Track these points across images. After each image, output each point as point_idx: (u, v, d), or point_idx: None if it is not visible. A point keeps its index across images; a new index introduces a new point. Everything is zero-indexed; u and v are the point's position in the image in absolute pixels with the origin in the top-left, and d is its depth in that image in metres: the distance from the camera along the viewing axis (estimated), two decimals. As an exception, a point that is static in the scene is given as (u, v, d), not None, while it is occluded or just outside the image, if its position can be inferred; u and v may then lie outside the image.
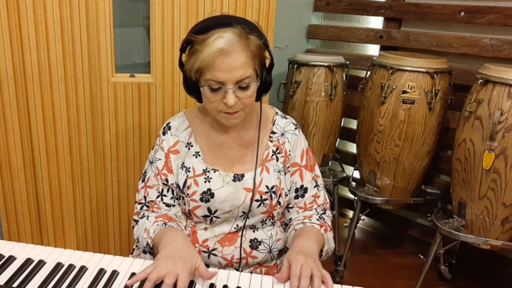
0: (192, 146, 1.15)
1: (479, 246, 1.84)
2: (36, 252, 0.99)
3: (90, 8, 1.50)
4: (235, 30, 0.99)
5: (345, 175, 2.45)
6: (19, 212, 1.65)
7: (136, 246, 1.22)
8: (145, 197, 1.16)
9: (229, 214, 1.13)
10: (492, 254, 2.16)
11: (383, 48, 2.45)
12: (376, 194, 2.17)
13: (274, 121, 1.20)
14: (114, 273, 0.94)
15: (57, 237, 1.74)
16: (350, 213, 2.80)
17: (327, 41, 2.75)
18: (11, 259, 0.96)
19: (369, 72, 2.15)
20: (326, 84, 2.17)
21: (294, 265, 0.94)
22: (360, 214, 2.36)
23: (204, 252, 1.14)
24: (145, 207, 1.15)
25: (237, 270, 1.17)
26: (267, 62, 1.09)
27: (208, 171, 1.12)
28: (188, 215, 1.15)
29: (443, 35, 2.18)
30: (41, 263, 0.95)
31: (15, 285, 0.88)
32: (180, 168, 1.14)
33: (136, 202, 1.18)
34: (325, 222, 1.18)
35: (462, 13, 2.11)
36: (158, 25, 1.57)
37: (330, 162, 2.43)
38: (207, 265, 1.12)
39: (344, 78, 2.27)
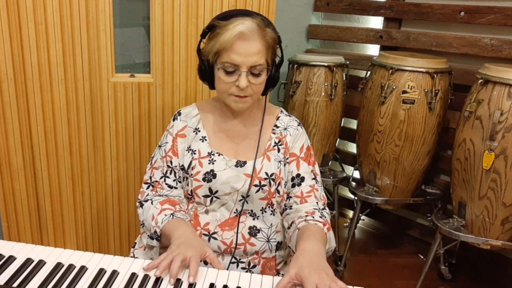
0: (199, 131, 1.22)
1: (479, 246, 1.84)
2: (36, 252, 0.99)
3: (90, 8, 1.50)
4: (255, 20, 1.08)
5: (345, 175, 2.45)
6: (19, 212, 1.65)
7: (142, 229, 1.23)
8: (150, 177, 1.23)
9: (229, 196, 1.18)
10: (492, 254, 2.16)
11: (383, 48, 2.45)
12: (376, 194, 2.17)
13: (279, 117, 1.26)
14: (114, 273, 0.94)
15: (57, 237, 1.74)
16: (350, 213, 2.80)
17: (327, 41, 2.75)
18: (11, 259, 0.96)
19: (369, 72, 2.15)
20: (326, 84, 2.18)
21: (308, 284, 0.91)
22: (360, 214, 2.36)
23: (205, 235, 1.18)
24: (150, 187, 1.22)
25: (236, 259, 1.18)
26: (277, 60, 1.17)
27: (213, 154, 1.19)
28: (190, 196, 1.20)
29: (443, 35, 2.19)
30: (41, 263, 0.95)
31: (15, 285, 0.88)
32: (186, 150, 1.20)
33: (143, 182, 1.25)
34: (327, 220, 1.19)
35: (462, 13, 2.11)
36: (158, 25, 1.57)
37: (330, 162, 2.43)
38: None
39: (344, 78, 2.27)
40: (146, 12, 1.64)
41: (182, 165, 1.20)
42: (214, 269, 0.99)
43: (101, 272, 0.94)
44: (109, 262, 0.97)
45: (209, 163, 1.17)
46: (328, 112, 2.22)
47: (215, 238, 1.17)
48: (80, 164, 1.67)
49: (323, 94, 2.19)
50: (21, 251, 0.99)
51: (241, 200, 1.18)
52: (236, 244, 1.17)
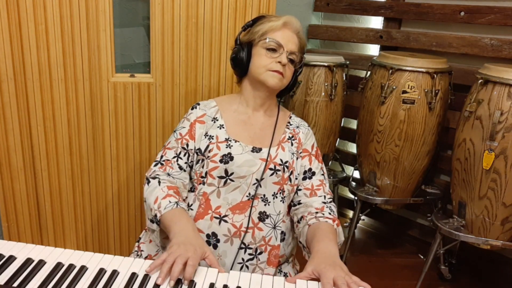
0: (217, 120, 1.29)
1: (479, 246, 1.84)
2: (36, 252, 0.99)
3: (90, 8, 1.50)
4: (298, 21, 1.27)
5: (345, 175, 2.45)
6: (19, 212, 1.65)
7: (144, 202, 1.24)
8: (162, 156, 1.27)
9: (243, 180, 1.21)
10: (492, 254, 2.16)
11: (383, 48, 2.45)
12: (376, 194, 2.17)
13: (291, 117, 1.38)
14: (114, 273, 0.94)
15: (57, 237, 1.74)
16: (350, 213, 2.80)
17: (327, 41, 2.75)
18: (11, 259, 0.96)
19: (369, 72, 2.15)
20: (326, 84, 2.18)
21: (325, 278, 0.95)
22: (360, 214, 2.36)
23: (216, 218, 1.19)
24: (159, 165, 1.25)
25: (244, 244, 1.19)
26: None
27: (230, 140, 1.25)
28: (203, 177, 1.22)
29: (443, 35, 2.19)
30: (41, 263, 0.95)
31: (15, 285, 0.88)
32: (204, 135, 1.26)
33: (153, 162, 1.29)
34: (335, 215, 1.24)
35: (462, 13, 2.11)
36: (158, 25, 1.57)
37: (330, 162, 2.43)
38: (216, 234, 1.18)
39: (344, 78, 2.27)
40: (146, 12, 1.64)
41: (199, 149, 1.25)
42: (214, 269, 0.99)
43: (101, 272, 0.94)
44: (109, 262, 0.97)
45: (226, 147, 1.23)
46: (328, 112, 2.23)
47: (225, 221, 1.19)
48: (80, 164, 1.67)
49: (323, 94, 2.19)
50: (21, 251, 0.98)
51: (255, 184, 1.22)
52: (247, 227, 1.19)
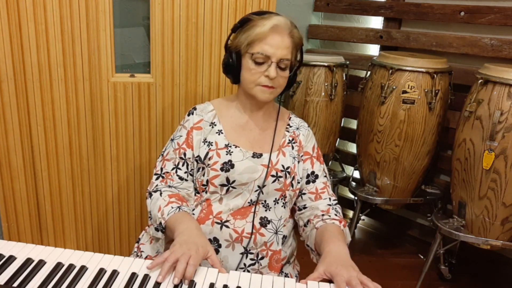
0: (215, 125, 1.25)
1: (479, 246, 1.84)
2: (36, 252, 0.98)
3: (90, 8, 1.50)
4: (287, 19, 1.17)
5: (345, 175, 2.45)
6: (19, 212, 1.65)
7: (150, 221, 1.24)
8: (161, 169, 1.24)
9: (245, 186, 1.20)
10: (492, 254, 2.16)
11: (383, 48, 2.45)
12: (376, 194, 2.17)
13: (290, 118, 1.34)
14: (114, 273, 0.94)
15: (57, 237, 1.74)
16: (350, 213, 2.80)
17: (327, 41, 2.75)
18: (11, 259, 0.96)
19: (369, 72, 2.15)
20: (326, 84, 2.18)
21: (338, 278, 0.96)
22: (360, 214, 2.36)
23: (217, 223, 1.19)
24: (160, 178, 1.24)
25: (245, 249, 1.19)
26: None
27: (230, 146, 1.22)
28: (205, 185, 1.21)
29: (443, 35, 2.19)
30: (41, 263, 0.95)
31: (15, 285, 0.88)
32: (202, 142, 1.23)
33: (154, 174, 1.27)
34: (341, 217, 1.23)
35: (462, 13, 2.11)
36: (158, 25, 1.57)
37: (330, 162, 2.43)
38: (218, 240, 1.18)
39: (344, 78, 2.27)
40: (146, 12, 1.64)
41: (198, 156, 1.22)
42: (214, 269, 0.99)
43: (101, 272, 0.94)
44: (109, 262, 0.97)
45: (226, 154, 1.20)
46: (328, 112, 2.23)
47: (227, 226, 1.18)
48: (80, 164, 1.67)
49: (323, 94, 2.19)
50: (21, 251, 0.98)
51: (256, 190, 1.21)
52: (252, 233, 1.19)
